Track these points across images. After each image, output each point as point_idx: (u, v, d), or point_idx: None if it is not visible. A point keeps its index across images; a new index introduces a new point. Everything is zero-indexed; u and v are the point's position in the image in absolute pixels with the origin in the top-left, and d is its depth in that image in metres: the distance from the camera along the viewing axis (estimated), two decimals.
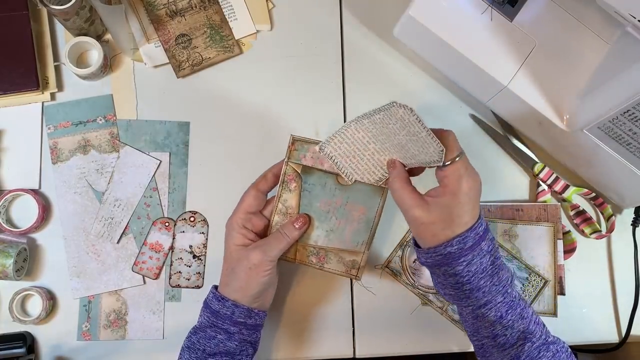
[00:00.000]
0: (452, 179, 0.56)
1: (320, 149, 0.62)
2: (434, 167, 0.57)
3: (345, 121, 0.78)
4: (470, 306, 0.58)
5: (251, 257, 0.61)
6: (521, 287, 0.74)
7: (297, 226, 0.63)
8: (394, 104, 0.55)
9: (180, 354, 0.64)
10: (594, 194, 0.78)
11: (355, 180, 0.63)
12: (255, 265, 0.61)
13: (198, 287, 0.74)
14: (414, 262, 0.75)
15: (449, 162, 0.55)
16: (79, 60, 0.75)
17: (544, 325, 0.59)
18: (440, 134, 0.56)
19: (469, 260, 0.55)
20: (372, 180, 0.62)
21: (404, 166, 0.60)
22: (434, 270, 0.59)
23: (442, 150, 0.55)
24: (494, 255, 0.58)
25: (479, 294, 0.57)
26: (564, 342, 0.58)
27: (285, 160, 0.64)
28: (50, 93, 0.74)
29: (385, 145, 0.59)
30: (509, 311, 0.57)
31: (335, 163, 0.62)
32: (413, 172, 0.61)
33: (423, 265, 0.61)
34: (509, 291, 0.58)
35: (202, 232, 0.74)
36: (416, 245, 0.60)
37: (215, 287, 0.65)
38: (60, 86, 0.75)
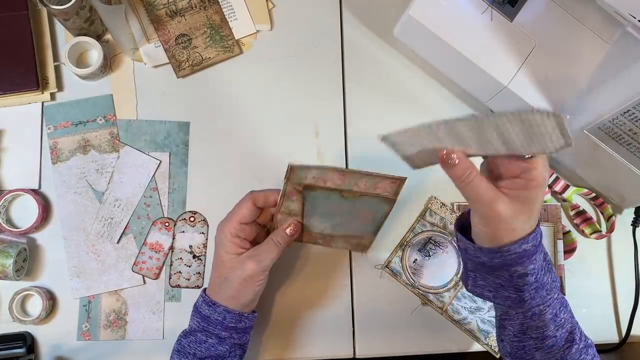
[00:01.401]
0: (539, 171, 0.51)
1: (383, 138, 0.55)
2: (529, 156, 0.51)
3: (345, 121, 0.78)
4: (532, 308, 0.54)
5: (245, 268, 0.61)
6: None
7: (288, 232, 0.63)
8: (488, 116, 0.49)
9: (172, 356, 0.64)
10: (594, 194, 0.78)
11: (360, 195, 0.60)
12: (249, 276, 0.61)
13: (198, 287, 0.74)
14: (414, 262, 0.75)
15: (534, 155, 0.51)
16: (79, 60, 0.75)
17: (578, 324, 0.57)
18: None
19: (539, 259, 0.52)
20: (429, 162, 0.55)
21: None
22: (500, 273, 0.53)
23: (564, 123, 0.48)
24: (546, 253, 0.55)
25: (543, 292, 0.53)
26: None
27: (285, 181, 0.59)
28: (50, 93, 0.74)
29: (474, 141, 0.52)
30: (562, 308, 0.55)
31: (396, 149, 0.56)
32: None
33: (478, 266, 0.55)
34: (558, 288, 0.55)
35: (202, 232, 0.74)
36: (470, 242, 0.55)
37: (204, 290, 0.65)
38: (60, 86, 0.75)
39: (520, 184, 0.51)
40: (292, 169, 0.58)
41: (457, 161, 0.52)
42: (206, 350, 0.61)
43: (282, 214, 0.64)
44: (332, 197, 0.61)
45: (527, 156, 0.51)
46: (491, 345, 0.73)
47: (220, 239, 0.63)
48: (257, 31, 0.78)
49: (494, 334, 0.73)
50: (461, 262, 0.73)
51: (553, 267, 0.56)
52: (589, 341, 0.57)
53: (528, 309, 0.54)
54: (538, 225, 0.53)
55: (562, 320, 0.54)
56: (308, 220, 0.64)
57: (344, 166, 0.77)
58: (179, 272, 0.74)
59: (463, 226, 0.57)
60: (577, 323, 0.57)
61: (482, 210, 0.52)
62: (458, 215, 0.74)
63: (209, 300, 0.62)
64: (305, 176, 0.59)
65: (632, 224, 0.78)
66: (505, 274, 0.53)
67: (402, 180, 0.58)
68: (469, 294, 0.74)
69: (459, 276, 0.74)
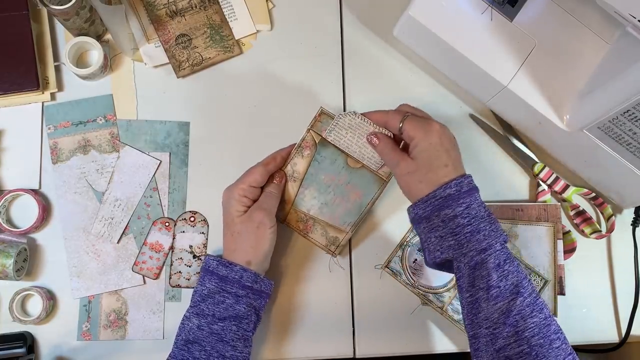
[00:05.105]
0: (412, 131, 0.62)
1: (326, 135, 0.69)
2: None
3: None
4: (470, 252, 0.58)
5: (254, 217, 0.66)
6: None
7: (276, 181, 0.70)
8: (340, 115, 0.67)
9: (184, 322, 0.64)
10: (594, 194, 0.78)
11: (362, 165, 0.70)
12: (261, 223, 0.66)
13: None
14: (413, 262, 0.75)
15: (400, 125, 0.63)
16: (79, 60, 0.75)
17: (535, 287, 0.61)
18: (383, 115, 0.66)
19: (467, 203, 0.59)
20: (373, 165, 0.70)
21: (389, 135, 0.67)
22: (432, 221, 0.60)
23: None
24: (489, 212, 0.61)
25: (480, 236, 0.58)
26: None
27: (308, 127, 0.70)
28: (50, 93, 0.74)
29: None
30: (507, 261, 0.59)
31: (342, 147, 0.70)
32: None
33: (417, 222, 0.62)
34: (506, 244, 0.60)
35: (202, 232, 0.74)
36: (412, 208, 0.63)
37: (211, 256, 0.66)
38: (60, 86, 0.75)
39: (412, 144, 0.63)
40: (321, 112, 0.69)
41: (377, 141, 0.67)
42: (224, 310, 0.63)
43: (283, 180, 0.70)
44: (337, 162, 0.69)
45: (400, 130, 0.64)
46: None
47: (228, 200, 0.67)
48: (257, 31, 0.78)
49: None
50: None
51: (499, 226, 0.61)
52: (540, 300, 0.58)
53: (470, 257, 0.59)
54: (464, 177, 0.61)
55: (506, 271, 0.58)
56: (302, 192, 0.70)
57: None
58: (179, 272, 0.74)
59: None
60: (529, 281, 0.59)
61: (395, 174, 0.65)
62: None
63: (226, 261, 0.65)
64: (326, 128, 0.69)
65: (632, 224, 0.78)
66: (438, 221, 0.60)
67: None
68: None
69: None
